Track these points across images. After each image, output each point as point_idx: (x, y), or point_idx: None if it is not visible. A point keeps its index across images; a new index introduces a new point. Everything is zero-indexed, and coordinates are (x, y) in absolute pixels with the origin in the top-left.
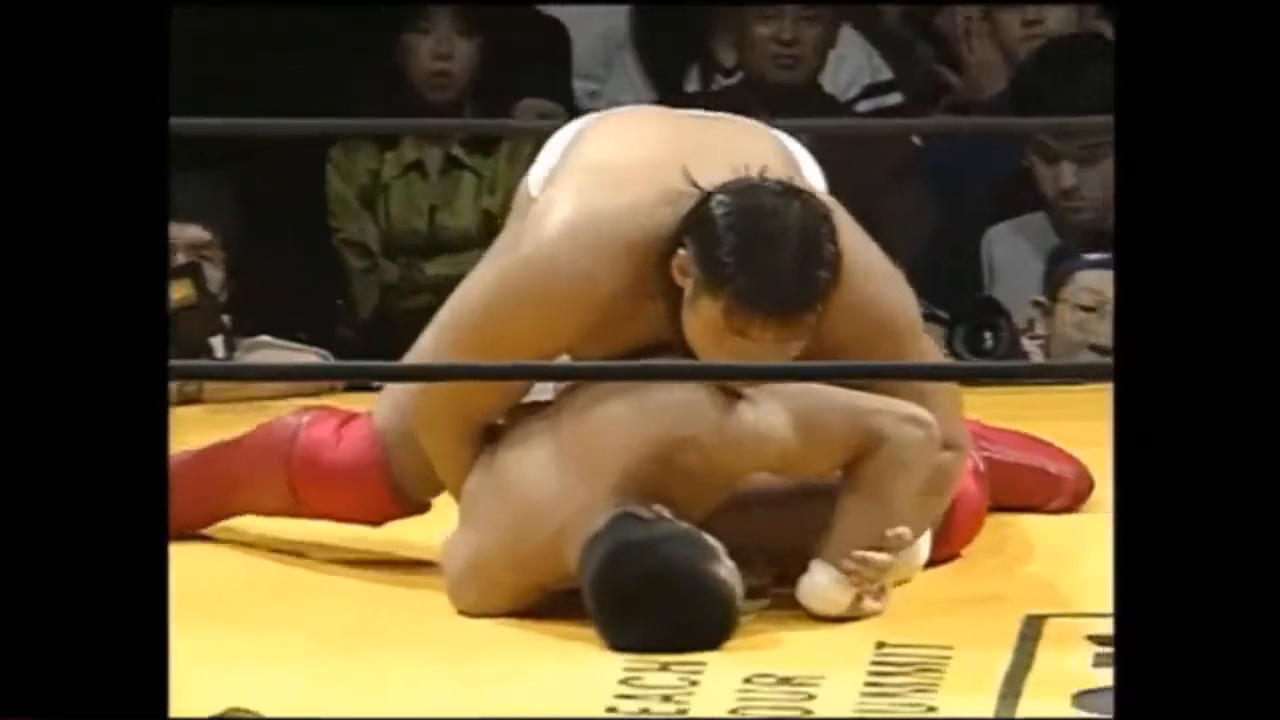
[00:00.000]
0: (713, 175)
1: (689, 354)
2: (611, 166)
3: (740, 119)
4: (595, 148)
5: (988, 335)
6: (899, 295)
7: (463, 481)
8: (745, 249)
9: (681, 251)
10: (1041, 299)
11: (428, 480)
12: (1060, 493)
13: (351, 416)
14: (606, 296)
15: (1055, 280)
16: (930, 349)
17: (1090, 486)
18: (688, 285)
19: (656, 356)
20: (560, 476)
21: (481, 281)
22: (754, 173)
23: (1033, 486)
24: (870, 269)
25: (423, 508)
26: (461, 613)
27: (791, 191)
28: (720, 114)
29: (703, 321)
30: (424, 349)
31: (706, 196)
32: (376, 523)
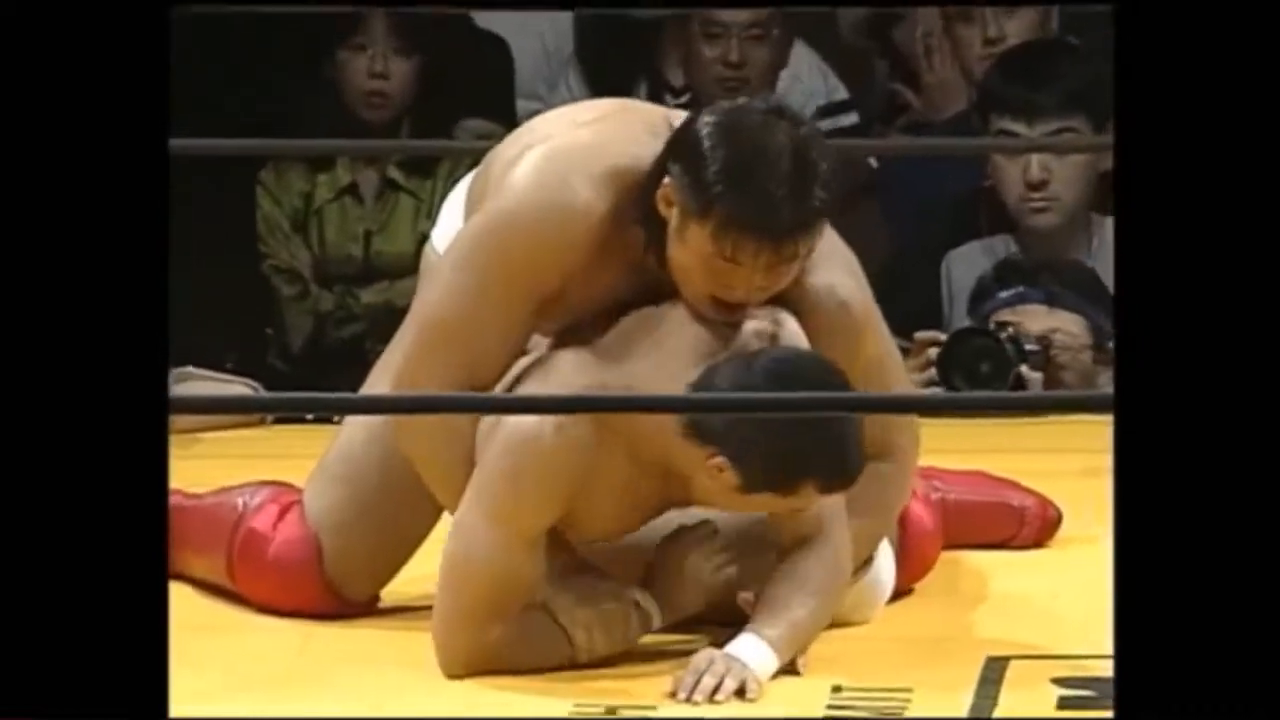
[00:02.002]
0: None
1: (674, 296)
2: (582, 112)
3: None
4: (548, 123)
5: (984, 365)
6: (856, 283)
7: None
8: (734, 167)
9: (667, 180)
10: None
11: (365, 578)
12: (1025, 524)
13: (291, 505)
14: (596, 223)
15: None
16: (888, 344)
17: (1058, 518)
18: (673, 215)
19: (638, 307)
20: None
21: (466, 233)
22: None
23: (996, 522)
24: (831, 254)
25: (369, 605)
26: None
27: (779, 110)
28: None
29: (690, 251)
30: (403, 339)
31: (691, 119)
32: (320, 617)
